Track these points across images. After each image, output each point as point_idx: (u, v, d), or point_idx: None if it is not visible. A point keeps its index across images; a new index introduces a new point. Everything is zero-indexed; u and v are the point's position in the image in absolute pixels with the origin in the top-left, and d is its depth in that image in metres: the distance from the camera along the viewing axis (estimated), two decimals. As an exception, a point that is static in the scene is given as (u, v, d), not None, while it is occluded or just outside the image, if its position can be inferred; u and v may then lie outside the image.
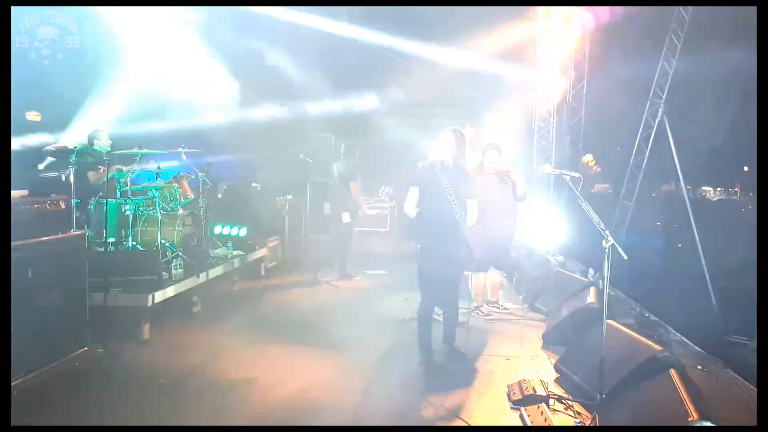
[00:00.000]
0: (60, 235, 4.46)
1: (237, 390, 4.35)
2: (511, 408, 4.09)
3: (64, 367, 4.23)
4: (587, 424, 3.76)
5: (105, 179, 5.66)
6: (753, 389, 4.48)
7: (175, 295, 5.86)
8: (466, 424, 3.84)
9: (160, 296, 5.49)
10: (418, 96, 11.57)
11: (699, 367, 5.00)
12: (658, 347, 4.05)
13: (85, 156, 6.29)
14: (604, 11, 10.33)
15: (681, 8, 9.87)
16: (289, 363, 4.98)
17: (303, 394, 4.30)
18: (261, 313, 6.70)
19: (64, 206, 5.24)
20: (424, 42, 11.12)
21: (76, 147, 6.01)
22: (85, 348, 4.52)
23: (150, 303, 5.32)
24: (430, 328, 4.94)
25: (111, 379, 4.48)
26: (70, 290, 4.45)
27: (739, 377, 4.85)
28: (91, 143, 6.64)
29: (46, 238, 4.27)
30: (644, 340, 4.24)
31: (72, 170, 5.78)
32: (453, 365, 4.99)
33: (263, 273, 8.60)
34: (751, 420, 3.88)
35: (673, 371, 3.59)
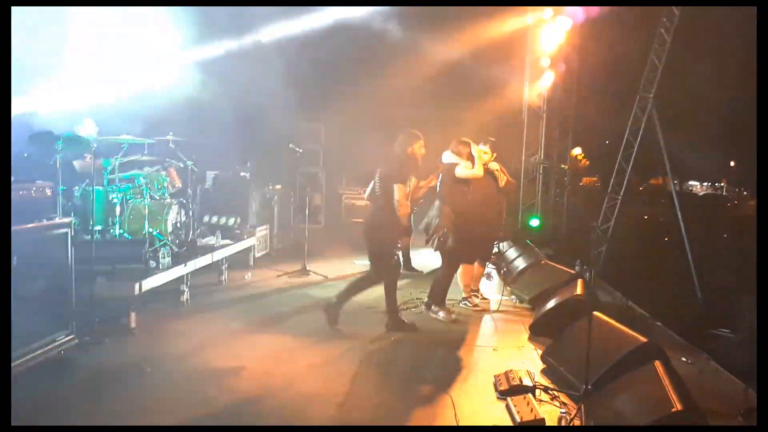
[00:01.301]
0: (45, 222, 4.41)
1: (225, 379, 4.34)
2: (498, 398, 4.12)
3: (49, 356, 4.19)
4: (573, 414, 3.79)
5: (92, 167, 5.59)
6: (737, 382, 4.55)
7: (163, 284, 5.83)
8: (459, 424, 3.86)
9: (147, 285, 5.46)
10: (404, 88, 11.49)
11: (683, 358, 5.07)
12: (643, 339, 4.10)
13: (71, 143, 6.21)
14: (595, 4, 10.34)
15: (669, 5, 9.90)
16: (277, 352, 4.98)
17: (291, 384, 4.30)
18: (249, 302, 6.69)
19: (49, 193, 5.19)
20: (413, 31, 11.04)
21: (61, 134, 5.93)
22: (72, 336, 4.48)
23: (137, 292, 5.29)
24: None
25: (97, 367, 4.45)
26: (56, 278, 4.40)
27: (723, 369, 4.92)
28: (77, 129, 6.56)
29: (31, 225, 4.21)
30: (629, 331, 4.28)
31: (57, 157, 5.71)
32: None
33: (252, 263, 8.58)
34: (734, 412, 3.96)
35: (657, 362, 3.63)
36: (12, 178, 4.77)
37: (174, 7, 8.11)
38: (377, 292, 5.64)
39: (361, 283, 5.76)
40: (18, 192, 4.70)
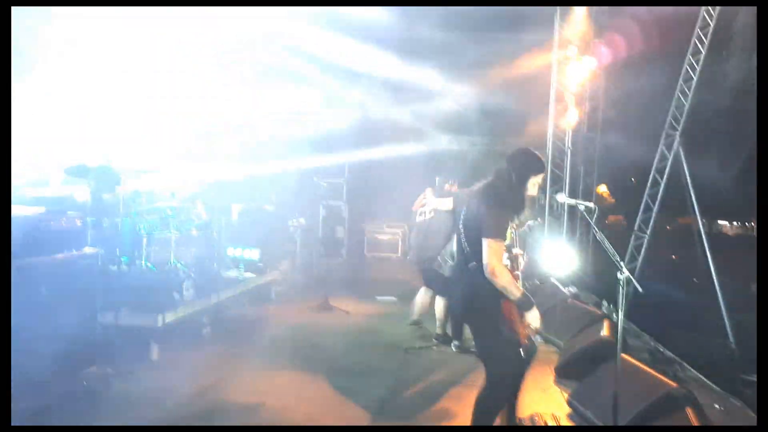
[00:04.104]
0: (74, 253, 4.48)
1: (244, 415, 4.30)
2: (523, 442, 4.00)
3: (71, 386, 4.21)
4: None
5: (121, 198, 5.71)
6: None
7: (186, 316, 5.84)
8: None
9: (170, 317, 5.48)
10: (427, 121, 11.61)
11: (716, 405, 4.87)
12: (673, 384, 3.96)
13: (102, 175, 6.37)
14: (621, 44, 10.39)
15: (695, 39, 9.89)
16: (297, 389, 4.93)
17: (310, 420, 4.24)
18: (271, 337, 6.66)
19: (79, 224, 5.29)
20: (439, 68, 11.18)
21: (93, 167, 6.09)
22: (94, 367, 4.51)
23: (160, 323, 5.32)
24: None
25: (118, 399, 4.45)
26: (82, 308, 4.45)
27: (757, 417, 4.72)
28: (107, 162, 6.73)
29: (60, 255, 4.29)
30: (659, 376, 4.15)
31: (89, 189, 5.85)
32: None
33: (273, 296, 8.58)
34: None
35: (689, 409, 3.50)
36: (44, 209, 4.90)
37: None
38: (404, 329, 5.51)
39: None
40: (49, 222, 4.79)
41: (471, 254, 3.41)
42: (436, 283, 6.40)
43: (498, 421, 3.47)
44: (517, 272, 3.71)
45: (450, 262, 5.81)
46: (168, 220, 6.59)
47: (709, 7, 9.67)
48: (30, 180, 6.97)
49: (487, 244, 3.26)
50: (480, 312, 3.44)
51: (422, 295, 6.73)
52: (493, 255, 3.24)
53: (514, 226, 4.33)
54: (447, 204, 6.25)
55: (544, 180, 11.91)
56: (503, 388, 3.46)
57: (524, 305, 3.34)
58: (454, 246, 5.71)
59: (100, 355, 4.58)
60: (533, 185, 3.47)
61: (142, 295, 5.57)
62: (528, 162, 3.48)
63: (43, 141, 7.38)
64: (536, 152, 3.57)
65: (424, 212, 6.49)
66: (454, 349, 6.13)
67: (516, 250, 3.79)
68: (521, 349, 3.39)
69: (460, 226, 3.56)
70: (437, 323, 6.44)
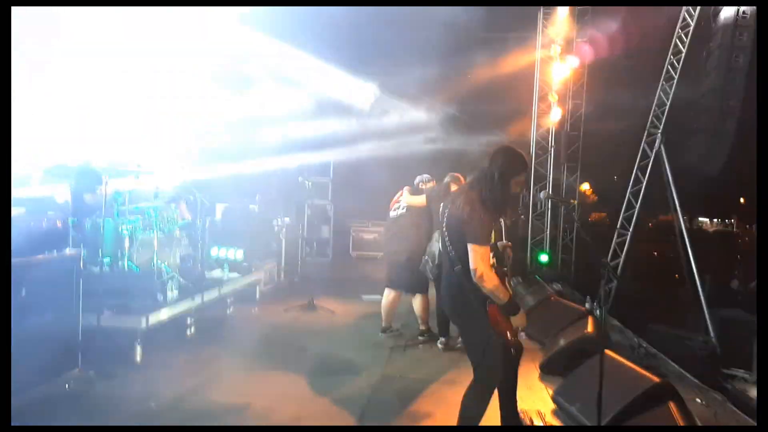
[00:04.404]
0: (55, 254, 4.42)
1: (229, 416, 4.28)
2: (508, 439, 4.02)
3: (54, 389, 4.16)
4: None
5: (103, 199, 5.64)
6: (753, 423, 4.43)
7: (170, 318, 5.80)
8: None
9: (154, 318, 5.43)
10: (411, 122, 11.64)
11: (698, 400, 4.95)
12: (656, 378, 4.02)
13: (83, 175, 6.29)
14: (603, 44, 10.50)
15: (676, 39, 10.03)
16: (283, 390, 4.91)
17: (297, 421, 4.23)
18: (256, 337, 6.62)
19: (60, 225, 5.22)
20: (422, 69, 11.22)
21: (74, 167, 6.01)
22: (77, 369, 4.45)
23: (144, 325, 5.27)
24: None
25: (102, 402, 4.40)
26: (63, 310, 4.40)
27: (738, 411, 4.80)
28: (89, 162, 6.65)
29: (40, 256, 4.23)
30: (642, 371, 4.20)
31: (70, 189, 5.77)
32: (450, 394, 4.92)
33: (258, 296, 8.53)
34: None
35: (671, 403, 3.55)
36: (24, 209, 4.83)
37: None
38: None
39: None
40: (29, 223, 4.73)
41: (456, 257, 3.39)
42: (400, 282, 6.40)
43: (482, 419, 3.48)
44: (505, 268, 3.67)
45: (430, 264, 5.81)
46: (151, 221, 6.51)
47: (690, 8, 9.81)
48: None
49: (472, 249, 3.23)
50: (468, 315, 3.45)
51: (386, 298, 6.60)
52: (479, 260, 3.21)
53: (503, 221, 4.26)
54: (419, 200, 6.30)
55: (528, 178, 12.06)
56: (490, 387, 3.46)
57: (510, 310, 3.35)
58: (434, 246, 5.73)
59: (83, 358, 4.52)
60: (516, 184, 3.43)
61: (125, 297, 5.51)
62: (510, 161, 3.43)
63: (23, 140, 7.27)
64: (519, 151, 3.52)
65: (397, 209, 6.52)
66: (440, 347, 6.15)
67: (501, 244, 3.75)
68: (512, 349, 3.45)
69: (444, 228, 3.53)
70: (419, 320, 6.45)
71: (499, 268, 3.52)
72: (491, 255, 3.43)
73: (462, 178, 6.17)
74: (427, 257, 5.88)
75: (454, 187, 5.60)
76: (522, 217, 11.10)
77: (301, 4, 9.47)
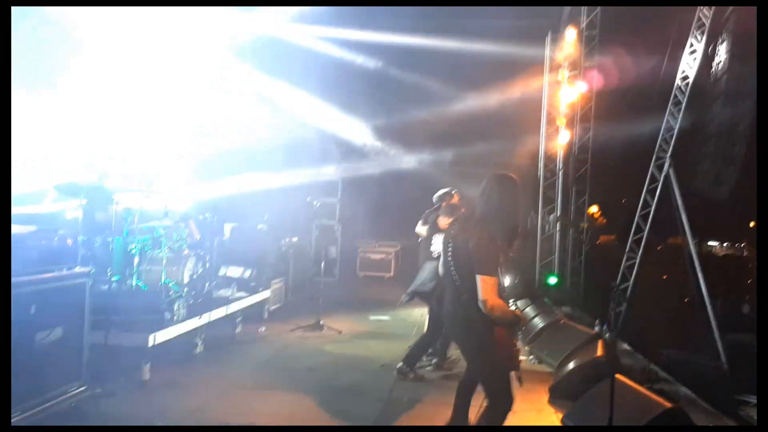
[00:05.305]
0: (65, 272, 4.44)
1: (235, 436, 4.25)
2: (517, 463, 3.97)
3: (60, 407, 4.14)
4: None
5: (113, 217, 5.68)
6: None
7: (177, 336, 5.79)
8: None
9: (161, 337, 5.43)
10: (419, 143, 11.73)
11: (710, 425, 4.87)
12: (668, 404, 3.96)
13: (94, 193, 6.34)
14: (612, 71, 10.57)
15: (683, 67, 10.08)
16: (289, 409, 4.87)
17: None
18: (263, 356, 6.60)
19: (70, 242, 5.25)
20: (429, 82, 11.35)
21: (85, 185, 6.06)
22: (83, 387, 4.44)
23: (151, 343, 5.26)
24: None
25: (108, 420, 4.38)
26: (71, 327, 4.40)
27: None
28: (100, 181, 6.70)
29: (50, 274, 4.25)
30: (653, 396, 4.15)
31: (82, 207, 5.81)
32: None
33: (266, 316, 8.52)
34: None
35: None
36: (36, 227, 4.87)
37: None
38: (396, 348, 5.49)
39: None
40: (40, 241, 4.76)
41: (462, 287, 3.38)
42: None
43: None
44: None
45: (429, 284, 5.80)
46: (160, 239, 6.54)
47: (697, 34, 9.86)
48: (19, 196, 6.93)
49: (481, 280, 3.22)
50: (476, 344, 3.46)
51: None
52: (489, 291, 3.21)
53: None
54: (422, 232, 6.27)
55: (536, 201, 12.03)
56: (504, 411, 3.46)
57: (513, 322, 3.44)
58: (436, 266, 5.69)
59: (90, 375, 4.51)
60: (514, 208, 3.47)
61: (133, 315, 5.51)
62: (505, 187, 3.47)
63: (37, 158, 7.37)
64: (509, 174, 3.56)
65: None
66: (430, 368, 6.11)
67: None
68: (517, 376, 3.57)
69: (449, 258, 3.51)
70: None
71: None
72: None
73: (456, 196, 6.17)
74: (425, 275, 5.90)
75: (444, 219, 5.66)
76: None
77: (303, 5, 9.57)
